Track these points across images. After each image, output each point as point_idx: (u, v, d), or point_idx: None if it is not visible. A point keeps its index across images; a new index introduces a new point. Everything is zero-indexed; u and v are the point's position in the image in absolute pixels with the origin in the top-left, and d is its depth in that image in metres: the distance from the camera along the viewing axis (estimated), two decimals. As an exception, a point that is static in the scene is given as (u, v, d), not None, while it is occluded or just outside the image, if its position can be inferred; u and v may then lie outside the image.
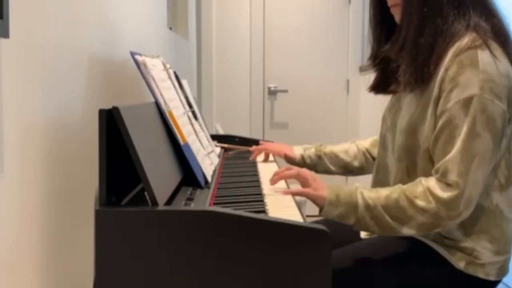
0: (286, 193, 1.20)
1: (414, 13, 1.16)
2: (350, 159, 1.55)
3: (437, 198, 1.08)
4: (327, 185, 1.16)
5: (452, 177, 1.07)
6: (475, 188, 1.08)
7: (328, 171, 1.58)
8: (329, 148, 1.58)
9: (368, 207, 1.11)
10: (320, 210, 1.14)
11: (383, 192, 1.12)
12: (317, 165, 1.57)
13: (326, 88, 3.97)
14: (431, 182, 1.10)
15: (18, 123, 0.77)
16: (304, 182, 1.17)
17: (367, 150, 1.55)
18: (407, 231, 1.10)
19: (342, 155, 1.56)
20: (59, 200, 0.93)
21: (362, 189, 1.15)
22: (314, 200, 1.14)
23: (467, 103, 1.07)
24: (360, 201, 1.12)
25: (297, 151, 1.59)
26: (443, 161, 1.09)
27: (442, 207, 1.07)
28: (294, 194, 1.19)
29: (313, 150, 1.58)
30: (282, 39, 3.92)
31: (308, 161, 1.57)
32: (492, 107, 1.07)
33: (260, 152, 1.70)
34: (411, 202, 1.09)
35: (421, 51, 1.14)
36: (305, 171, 1.20)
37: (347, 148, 1.57)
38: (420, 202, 1.08)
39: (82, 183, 1.04)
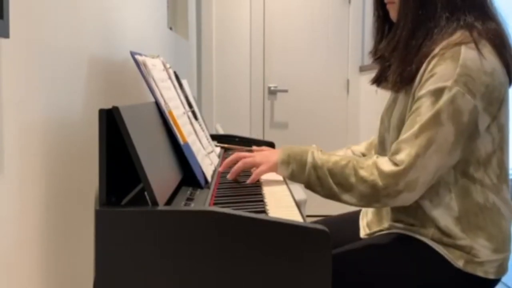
0: (252, 181, 1.24)
1: (409, 15, 1.17)
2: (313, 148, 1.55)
3: (379, 171, 1.11)
4: (282, 147, 1.23)
5: (400, 156, 1.10)
6: (423, 173, 1.09)
7: None
8: (326, 155, 1.55)
9: (315, 166, 1.16)
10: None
11: (334, 158, 1.18)
12: None
13: (326, 88, 3.97)
14: (381, 159, 1.14)
15: (18, 123, 0.77)
16: (253, 163, 1.23)
17: (362, 154, 1.54)
18: (348, 198, 1.15)
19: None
20: (59, 200, 0.93)
21: (315, 149, 1.20)
22: (270, 170, 1.21)
23: (438, 93, 1.09)
24: (309, 159, 1.17)
25: None
26: (397, 141, 1.13)
27: (381, 179, 1.10)
28: (255, 178, 1.24)
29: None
30: (282, 39, 3.92)
31: None
32: (462, 100, 1.08)
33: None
34: (355, 171, 1.13)
35: (410, 52, 1.17)
36: (247, 154, 1.26)
37: (342, 155, 1.55)
38: (363, 172, 1.12)
39: (82, 183, 1.04)
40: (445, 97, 1.08)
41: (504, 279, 1.23)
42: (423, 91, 1.11)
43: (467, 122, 1.09)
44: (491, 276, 1.17)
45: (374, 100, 3.44)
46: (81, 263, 1.05)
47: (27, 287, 0.81)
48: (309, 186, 1.19)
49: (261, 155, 1.26)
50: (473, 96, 1.08)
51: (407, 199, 1.12)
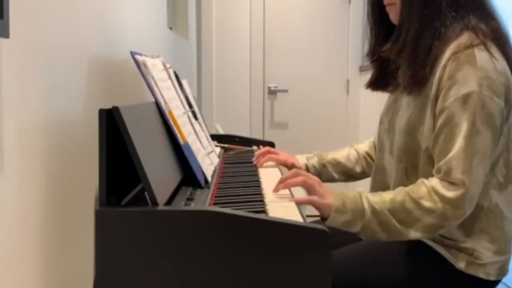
0: (295, 201, 1.12)
1: (414, 15, 1.16)
2: (352, 165, 1.53)
3: (442, 197, 1.07)
4: (333, 192, 1.12)
5: (457, 175, 1.07)
6: (477, 186, 1.08)
7: (331, 179, 1.54)
8: (331, 156, 1.54)
9: (374, 212, 1.09)
10: (325, 218, 1.11)
11: (387, 196, 1.11)
12: (321, 174, 1.52)
13: (326, 88, 3.97)
14: (434, 182, 1.09)
15: (18, 123, 0.77)
16: (311, 189, 1.12)
17: (367, 153, 1.54)
18: (413, 234, 1.09)
19: (344, 161, 1.53)
20: (59, 200, 0.93)
21: (366, 194, 1.13)
22: (321, 208, 1.11)
23: (466, 99, 1.07)
24: (366, 206, 1.09)
25: (301, 161, 1.54)
26: (446, 159, 1.08)
27: (448, 206, 1.06)
28: (300, 202, 1.12)
29: (316, 159, 1.54)
30: (282, 39, 3.92)
31: (312, 170, 1.52)
32: (491, 103, 1.07)
33: (266, 160, 1.55)
34: (417, 203, 1.08)
35: (420, 53, 1.15)
36: (311, 177, 1.15)
37: (347, 154, 1.54)
38: (426, 203, 1.07)
39: (82, 183, 1.04)
40: (475, 103, 1.06)
41: (505, 279, 1.23)
42: (449, 100, 1.09)
43: (499, 124, 1.09)
44: (493, 278, 1.16)
45: (374, 100, 3.43)
46: (81, 263, 1.05)
47: (27, 287, 0.81)
48: (367, 233, 1.10)
49: (321, 186, 1.14)
50: (498, 98, 1.08)
51: (468, 213, 1.10)
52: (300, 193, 1.22)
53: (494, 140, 1.09)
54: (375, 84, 1.36)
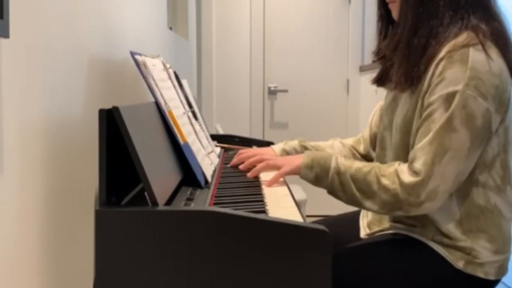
0: (269, 184, 1.24)
1: (409, 13, 1.16)
2: (336, 154, 1.52)
3: (400, 181, 1.11)
4: (305, 152, 1.24)
5: (417, 165, 1.09)
6: (442, 182, 1.08)
7: None
8: (314, 143, 1.54)
9: (338, 172, 1.17)
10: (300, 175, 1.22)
11: (357, 164, 1.18)
12: None
13: (326, 88, 3.97)
14: (402, 167, 1.13)
15: (18, 123, 0.77)
16: (276, 166, 1.25)
17: (352, 146, 1.53)
18: (369, 205, 1.15)
19: (328, 150, 1.51)
20: (59, 200, 0.93)
21: (338, 155, 1.21)
22: (293, 172, 1.22)
23: (449, 98, 1.08)
24: (333, 164, 1.18)
25: (277, 148, 1.50)
26: (414, 149, 1.12)
27: (402, 190, 1.10)
28: (275, 181, 1.25)
29: (296, 142, 1.51)
30: (282, 39, 3.92)
31: (293, 153, 1.48)
32: (474, 104, 1.07)
33: (238, 161, 1.48)
34: (378, 179, 1.13)
35: (414, 51, 1.15)
36: (269, 157, 1.29)
37: (331, 144, 1.53)
38: (385, 181, 1.12)
39: (82, 183, 1.04)
40: (457, 101, 1.07)
41: (504, 279, 1.23)
42: (434, 97, 1.10)
43: (481, 125, 1.09)
44: (491, 277, 1.17)
45: (374, 100, 3.44)
46: (81, 263, 1.05)
47: (27, 287, 0.81)
48: (332, 191, 1.19)
49: (283, 158, 1.28)
50: (485, 99, 1.08)
51: (429, 208, 1.11)
52: (300, 193, 1.23)
53: (473, 141, 1.08)
54: (380, 80, 1.36)
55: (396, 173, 1.12)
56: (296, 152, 1.50)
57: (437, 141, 1.08)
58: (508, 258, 1.20)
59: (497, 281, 1.19)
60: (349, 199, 1.17)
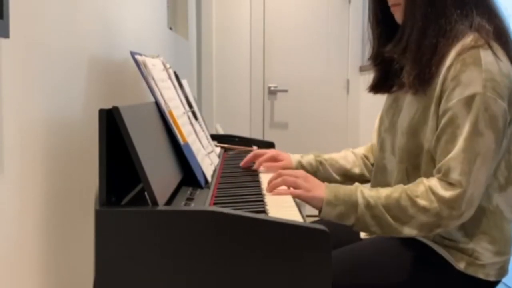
0: (274, 193, 1.16)
1: (417, 14, 1.15)
2: (350, 165, 1.49)
3: (439, 197, 1.07)
4: (326, 185, 1.14)
5: (455, 176, 1.06)
6: (477, 188, 1.07)
7: (329, 179, 1.49)
8: (328, 155, 1.52)
9: (368, 206, 1.09)
10: (320, 212, 1.12)
11: (384, 192, 1.11)
12: (317, 171, 1.48)
13: (326, 88, 3.97)
14: (433, 182, 1.09)
15: (18, 123, 0.77)
16: (295, 185, 1.15)
17: (364, 156, 1.52)
18: (408, 231, 1.09)
19: (342, 162, 1.50)
20: (59, 200, 0.93)
21: (362, 188, 1.14)
22: (309, 201, 1.13)
23: (469, 101, 1.07)
24: (360, 200, 1.10)
25: (294, 159, 1.50)
26: (445, 160, 1.08)
27: (444, 206, 1.06)
28: (283, 194, 1.16)
29: (311, 156, 1.50)
30: (282, 39, 3.92)
31: (308, 168, 1.47)
32: (495, 106, 1.07)
33: (256, 164, 1.47)
34: (413, 202, 1.08)
35: (425, 52, 1.14)
36: (293, 174, 1.17)
37: (344, 155, 1.52)
38: (422, 201, 1.07)
39: (82, 183, 1.04)
40: (478, 105, 1.06)
41: (505, 279, 1.23)
42: (452, 102, 1.08)
43: (502, 126, 1.08)
44: (492, 278, 1.16)
45: (374, 100, 3.43)
46: (81, 263, 1.05)
47: (27, 287, 0.81)
48: (361, 226, 1.12)
49: (304, 180, 1.16)
50: (502, 100, 1.07)
51: (467, 217, 1.09)
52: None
53: (497, 142, 1.08)
54: (378, 87, 1.35)
55: (431, 190, 1.08)
56: (312, 167, 1.47)
57: (468, 148, 1.06)
58: (509, 259, 1.19)
59: (497, 282, 1.19)
60: (385, 231, 1.10)
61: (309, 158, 1.49)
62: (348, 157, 1.51)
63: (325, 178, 1.49)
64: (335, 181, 1.49)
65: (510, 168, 1.16)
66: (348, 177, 1.50)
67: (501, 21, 1.17)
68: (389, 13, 1.25)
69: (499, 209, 1.16)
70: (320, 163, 1.49)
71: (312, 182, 1.16)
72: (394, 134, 1.26)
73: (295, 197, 1.15)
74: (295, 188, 1.15)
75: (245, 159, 1.48)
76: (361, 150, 1.53)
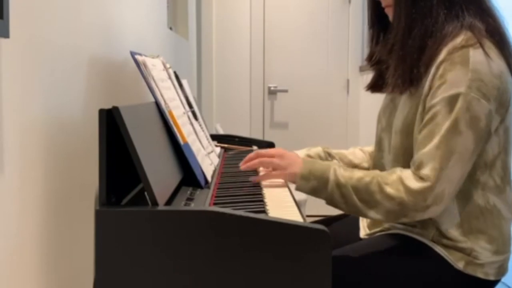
0: (254, 180, 1.23)
1: (402, 14, 1.15)
2: (358, 161, 1.50)
3: (406, 188, 1.09)
4: (303, 159, 1.20)
5: (425, 171, 1.08)
6: (449, 185, 1.08)
7: None
8: (336, 150, 1.52)
9: (338, 184, 1.14)
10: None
11: (357, 174, 1.15)
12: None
13: (326, 88, 3.97)
14: (406, 173, 1.11)
15: (18, 123, 0.77)
16: (270, 166, 1.22)
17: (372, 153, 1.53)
18: (373, 214, 1.13)
19: (350, 157, 1.50)
20: (59, 200, 0.93)
21: (337, 166, 1.17)
22: (287, 178, 1.19)
23: (452, 100, 1.07)
24: (332, 177, 1.14)
25: (301, 154, 1.47)
26: (419, 154, 1.10)
27: (409, 197, 1.08)
28: (263, 179, 1.23)
29: (320, 148, 1.50)
30: (282, 38, 3.92)
31: (316, 158, 1.46)
32: (478, 106, 1.07)
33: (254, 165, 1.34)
34: (381, 188, 1.11)
35: (410, 52, 1.14)
36: (268, 153, 1.24)
37: (352, 151, 1.53)
38: (389, 189, 1.10)
39: (82, 183, 1.04)
40: (461, 104, 1.06)
41: (504, 279, 1.23)
42: (436, 99, 1.09)
43: (484, 127, 1.08)
44: (491, 277, 1.16)
45: (374, 100, 3.43)
46: (81, 263, 1.05)
47: (27, 287, 0.81)
48: (331, 202, 1.17)
49: (281, 159, 1.21)
50: (487, 100, 1.07)
51: (434, 212, 1.10)
52: (300, 193, 1.22)
53: (477, 143, 1.08)
54: (374, 86, 1.36)
55: (401, 180, 1.10)
56: (320, 158, 1.48)
57: (444, 145, 1.07)
58: (508, 258, 1.20)
59: (497, 281, 1.19)
60: (351, 210, 1.15)
61: (317, 150, 1.50)
62: (357, 153, 1.53)
63: None
64: None
65: (506, 168, 1.17)
66: None
67: (494, 19, 1.16)
68: (385, 14, 1.25)
69: (496, 208, 1.16)
70: (329, 154, 1.49)
71: (288, 159, 1.21)
72: (390, 134, 1.26)
73: (273, 178, 1.22)
74: (272, 168, 1.22)
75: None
76: (369, 149, 1.54)
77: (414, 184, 1.08)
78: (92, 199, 1.10)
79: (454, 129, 1.07)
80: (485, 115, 1.08)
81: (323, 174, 1.15)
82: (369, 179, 1.12)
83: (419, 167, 1.10)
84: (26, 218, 0.80)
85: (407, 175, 1.10)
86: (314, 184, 1.16)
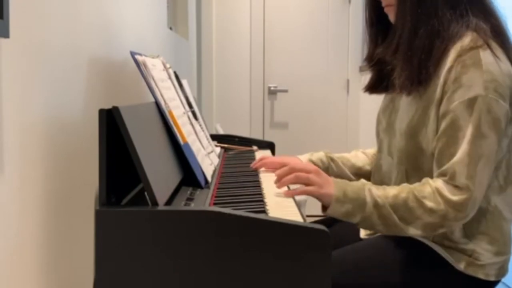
0: (288, 194, 1.13)
1: (408, 14, 1.14)
2: (361, 163, 1.49)
3: (446, 200, 1.06)
4: (333, 181, 1.13)
5: (462, 179, 1.06)
6: (480, 190, 1.08)
7: (341, 176, 1.46)
8: (338, 154, 1.50)
9: (376, 205, 1.09)
10: (325, 208, 1.12)
11: (391, 191, 1.11)
12: (329, 168, 1.46)
13: (326, 88, 3.97)
14: (439, 183, 1.08)
15: (18, 123, 0.77)
16: (307, 182, 1.13)
17: (375, 155, 1.52)
18: (413, 231, 1.09)
19: (353, 160, 1.49)
20: (59, 200, 0.93)
21: (370, 186, 1.13)
22: (320, 198, 1.11)
23: (471, 103, 1.06)
24: (368, 199, 1.10)
25: (303, 158, 1.47)
26: (451, 163, 1.08)
27: (451, 209, 1.06)
28: (295, 194, 1.13)
29: (322, 153, 1.48)
30: (282, 38, 3.92)
31: (319, 164, 1.44)
32: (497, 107, 1.06)
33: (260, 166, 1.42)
34: (420, 203, 1.08)
35: (417, 52, 1.13)
36: (305, 168, 1.14)
37: (355, 154, 1.51)
38: (429, 203, 1.07)
39: (82, 183, 1.04)
40: (480, 106, 1.06)
41: (504, 279, 1.23)
42: (454, 104, 1.08)
43: (504, 127, 1.09)
44: (492, 278, 1.16)
45: (374, 100, 3.43)
46: (81, 263, 1.05)
47: (27, 287, 0.81)
48: (365, 224, 1.12)
49: (318, 176, 1.13)
50: (504, 100, 1.07)
51: (470, 217, 1.10)
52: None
53: (499, 143, 1.09)
54: (373, 87, 1.35)
55: (438, 192, 1.07)
56: (323, 164, 1.45)
57: (473, 151, 1.06)
58: (509, 259, 1.20)
59: (497, 282, 1.19)
60: (390, 230, 1.11)
61: (319, 155, 1.47)
62: (359, 156, 1.51)
63: (338, 175, 1.46)
64: (348, 178, 1.47)
65: (510, 168, 1.16)
66: (360, 175, 1.49)
67: (497, 20, 1.16)
68: (384, 14, 1.24)
69: (498, 209, 1.16)
70: (332, 159, 1.47)
71: (323, 178, 1.14)
72: (391, 135, 1.26)
73: (307, 194, 1.13)
74: (307, 184, 1.13)
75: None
76: (371, 151, 1.53)
77: (453, 195, 1.06)
78: (92, 199, 1.10)
79: (478, 133, 1.06)
80: (503, 115, 1.08)
81: (359, 196, 1.10)
82: (405, 195, 1.09)
83: (453, 176, 1.07)
84: (26, 218, 0.80)
85: (442, 186, 1.08)
86: (349, 207, 1.10)
